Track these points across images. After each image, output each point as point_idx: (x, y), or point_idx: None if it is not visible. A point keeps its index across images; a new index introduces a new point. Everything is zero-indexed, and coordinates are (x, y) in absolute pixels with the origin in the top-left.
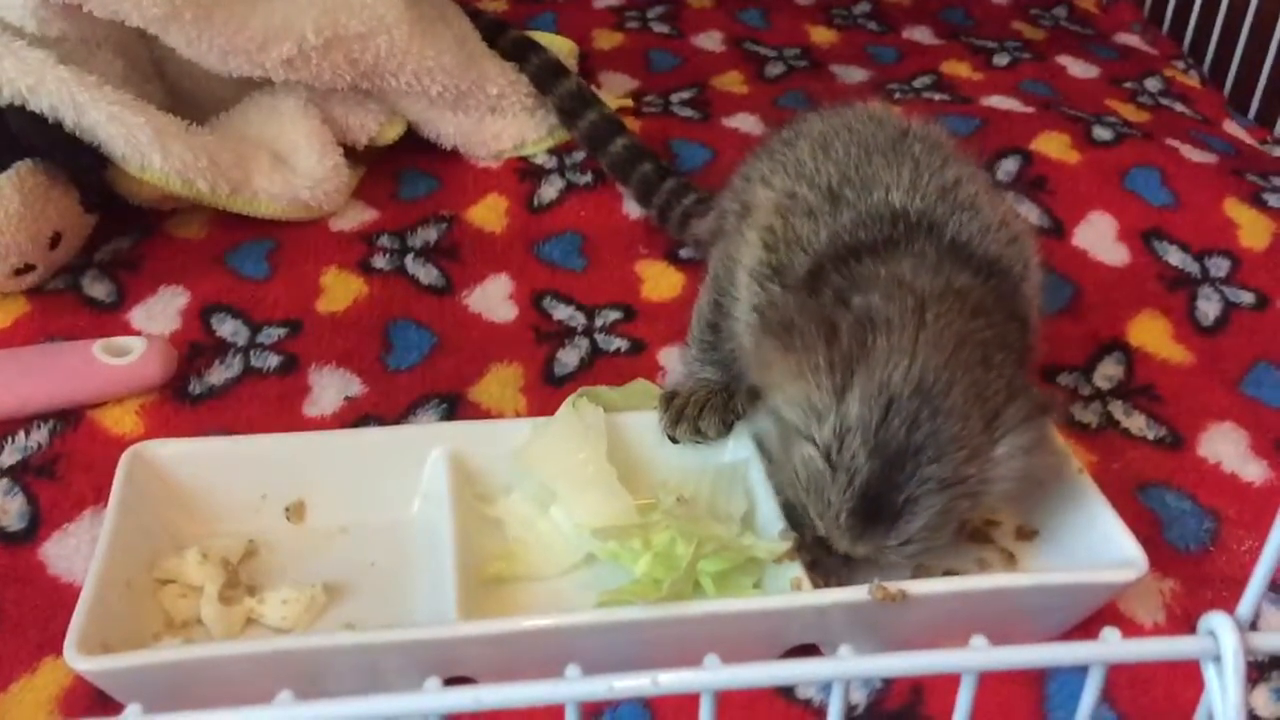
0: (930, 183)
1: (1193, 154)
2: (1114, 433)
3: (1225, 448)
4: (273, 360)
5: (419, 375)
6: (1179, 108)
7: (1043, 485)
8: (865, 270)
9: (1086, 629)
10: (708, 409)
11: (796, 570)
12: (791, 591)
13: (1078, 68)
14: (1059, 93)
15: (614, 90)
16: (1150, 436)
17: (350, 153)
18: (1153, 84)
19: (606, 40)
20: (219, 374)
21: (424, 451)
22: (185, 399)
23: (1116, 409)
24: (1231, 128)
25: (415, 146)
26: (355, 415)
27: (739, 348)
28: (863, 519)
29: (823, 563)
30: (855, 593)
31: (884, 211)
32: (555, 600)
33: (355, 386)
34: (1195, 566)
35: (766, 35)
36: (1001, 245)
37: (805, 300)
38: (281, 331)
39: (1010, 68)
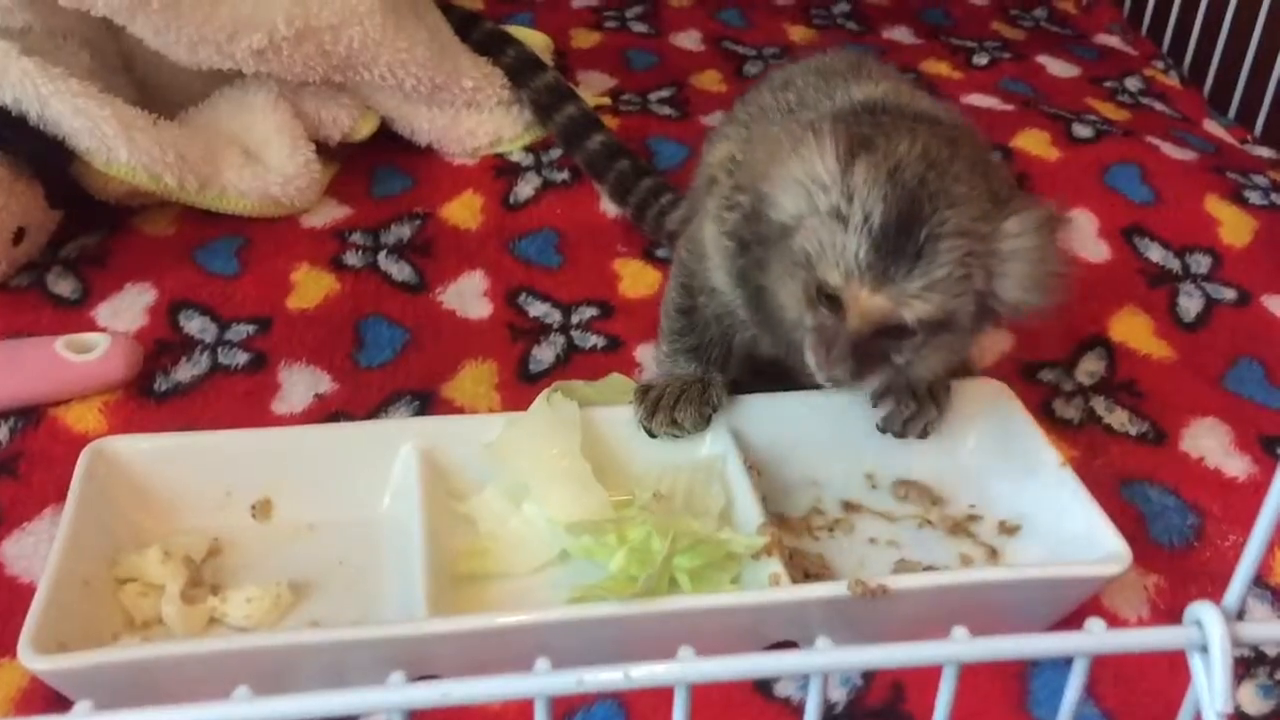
0: (893, 79)
1: (1173, 151)
2: (1096, 428)
3: (1208, 443)
4: (241, 357)
5: (391, 372)
6: (1159, 107)
7: (1054, 279)
8: (844, 124)
9: (1070, 625)
10: (683, 400)
11: (775, 565)
12: (770, 587)
13: (1057, 67)
14: (1039, 92)
15: (592, 89)
16: (1133, 432)
17: (323, 149)
18: (1132, 83)
19: (585, 39)
20: (185, 371)
21: (394, 447)
22: (150, 396)
23: (1099, 405)
24: (1211, 127)
25: (390, 144)
26: (325, 413)
27: (716, 312)
28: (884, 257)
29: (835, 367)
30: (834, 588)
31: (846, 105)
32: (528, 597)
33: (325, 384)
34: (1179, 561)
35: (745, 35)
36: (979, 145)
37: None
38: (250, 328)
39: (990, 67)
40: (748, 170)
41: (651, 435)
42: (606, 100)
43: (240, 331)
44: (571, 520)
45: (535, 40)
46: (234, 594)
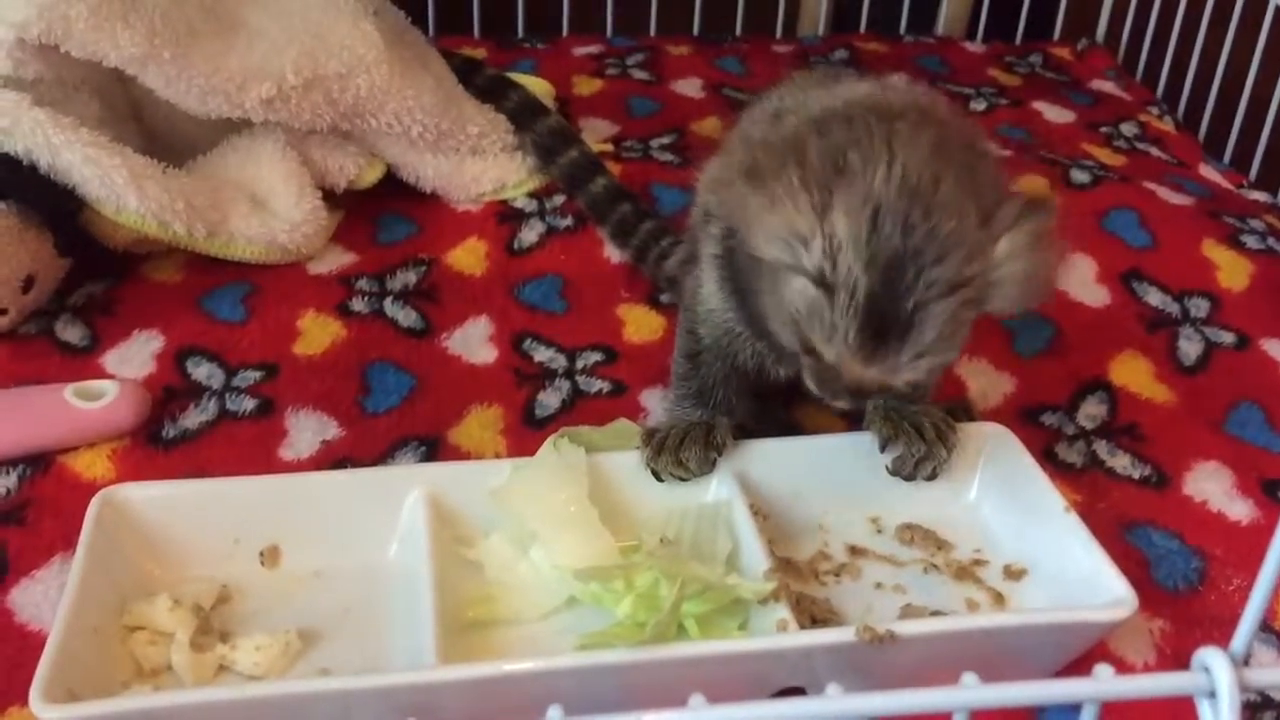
0: (880, 85)
1: (1170, 196)
2: (1098, 472)
3: (1211, 486)
4: (248, 404)
5: (397, 418)
6: (1155, 152)
7: (1047, 285)
8: (825, 116)
9: (1076, 670)
10: (689, 441)
11: (782, 611)
12: (777, 633)
13: (1053, 113)
14: (1036, 137)
15: (594, 135)
16: (1135, 475)
17: (329, 196)
18: (1128, 129)
19: (586, 86)
20: (193, 418)
21: (401, 493)
22: (158, 443)
23: (1101, 448)
24: (1207, 171)
25: (394, 190)
26: (332, 459)
27: (719, 344)
28: (873, 337)
29: (834, 400)
30: (842, 634)
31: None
32: (536, 644)
33: (332, 430)
34: (1184, 606)
35: (744, 82)
36: (970, 131)
37: (767, 140)
38: (257, 375)
39: (987, 113)
40: (726, 204)
41: (658, 478)
42: (609, 147)
43: (247, 378)
44: (579, 566)
45: (538, 86)
46: (243, 641)
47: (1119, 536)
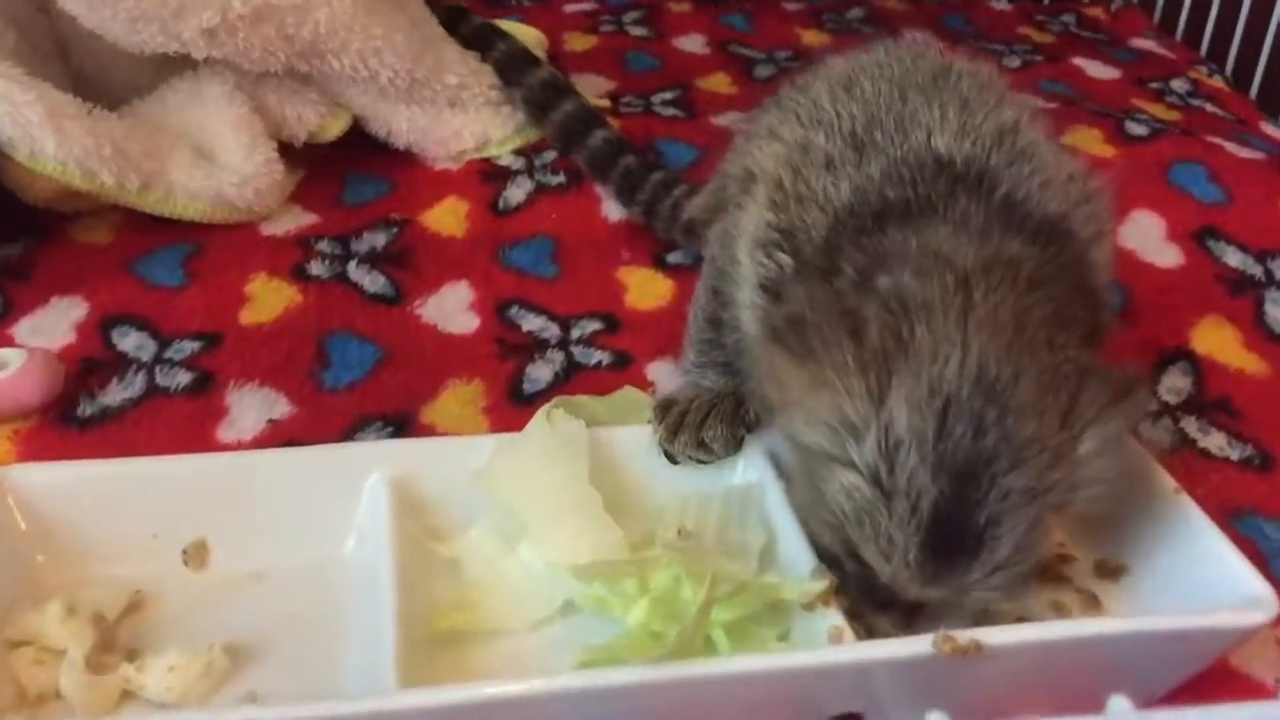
0: (983, 124)
1: (1239, 150)
2: (1191, 453)
3: None
4: (183, 378)
5: (360, 394)
6: (1210, 108)
7: (1134, 487)
8: (892, 242)
9: (1194, 691)
10: (712, 418)
11: (834, 617)
12: (829, 644)
13: (1095, 69)
14: (1080, 93)
15: (588, 92)
16: (1234, 457)
17: (289, 152)
18: (1179, 85)
19: (579, 42)
20: (116, 394)
21: (360, 476)
22: (71, 423)
23: (1190, 426)
24: (1271, 129)
25: (364, 147)
26: (280, 440)
27: (745, 342)
28: (937, 554)
29: (878, 616)
30: (914, 645)
31: (924, 159)
32: (525, 660)
33: (282, 407)
34: None
35: (752, 39)
36: (1068, 203)
37: (817, 288)
38: (195, 345)
39: (1024, 69)
40: (754, 359)
41: (673, 460)
42: (606, 103)
43: (183, 349)
44: (578, 563)
45: (527, 35)
46: (154, 661)
47: (1224, 528)
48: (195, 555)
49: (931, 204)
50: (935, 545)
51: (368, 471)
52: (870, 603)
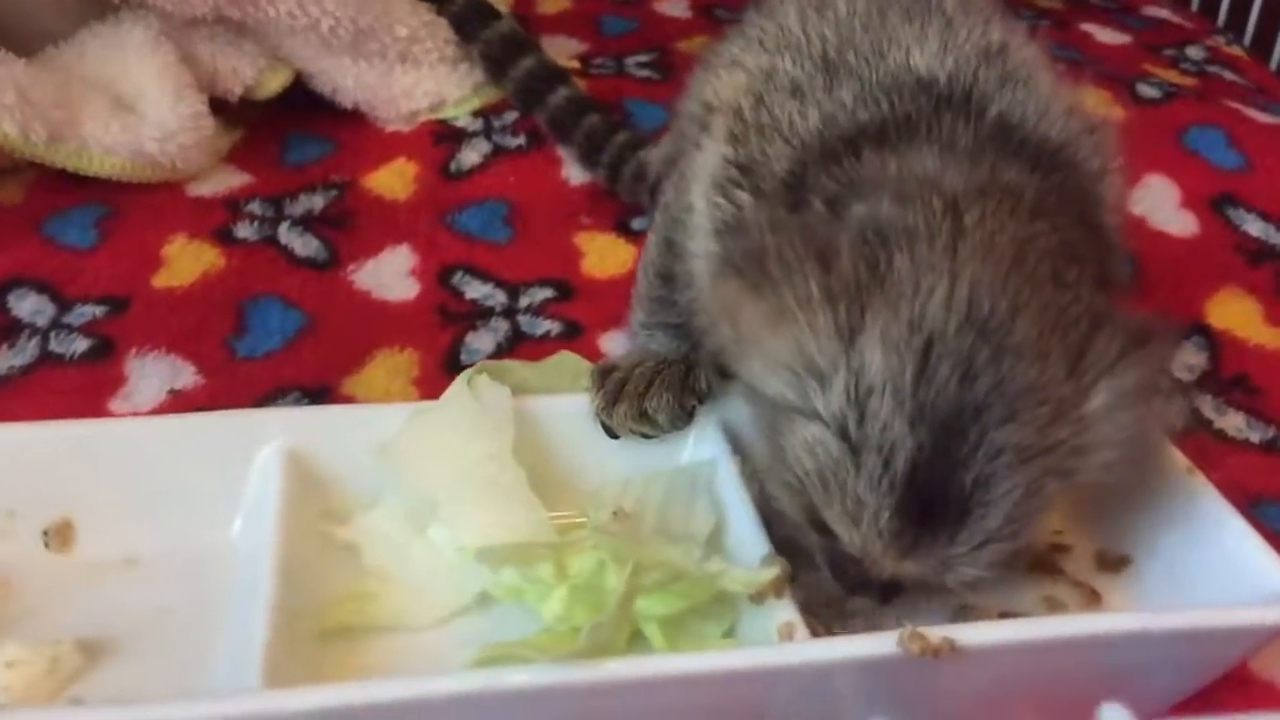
0: (968, 42)
1: (1259, 115)
2: (1206, 435)
3: None
4: (80, 345)
5: (277, 363)
6: (1229, 76)
7: (1150, 457)
8: (868, 167)
9: (1208, 701)
10: (657, 386)
11: (787, 612)
12: (780, 642)
13: (1106, 35)
14: (1090, 58)
15: (558, 55)
16: (1254, 439)
17: (225, 109)
18: (1194, 52)
19: (551, 4)
20: (3, 362)
21: (251, 449)
22: None
23: (1205, 405)
24: None
25: (308, 107)
26: (182, 411)
27: (699, 299)
28: (915, 520)
29: (843, 601)
30: (877, 643)
31: (904, 80)
32: (427, 659)
33: (187, 376)
34: None
35: (739, 3)
36: (1069, 132)
37: (780, 215)
38: (99, 310)
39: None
40: (720, 312)
41: (612, 434)
42: (575, 64)
43: (84, 314)
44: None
45: None
46: None
47: (1244, 514)
48: (57, 536)
49: (913, 124)
50: (912, 509)
51: (260, 443)
52: (845, 580)
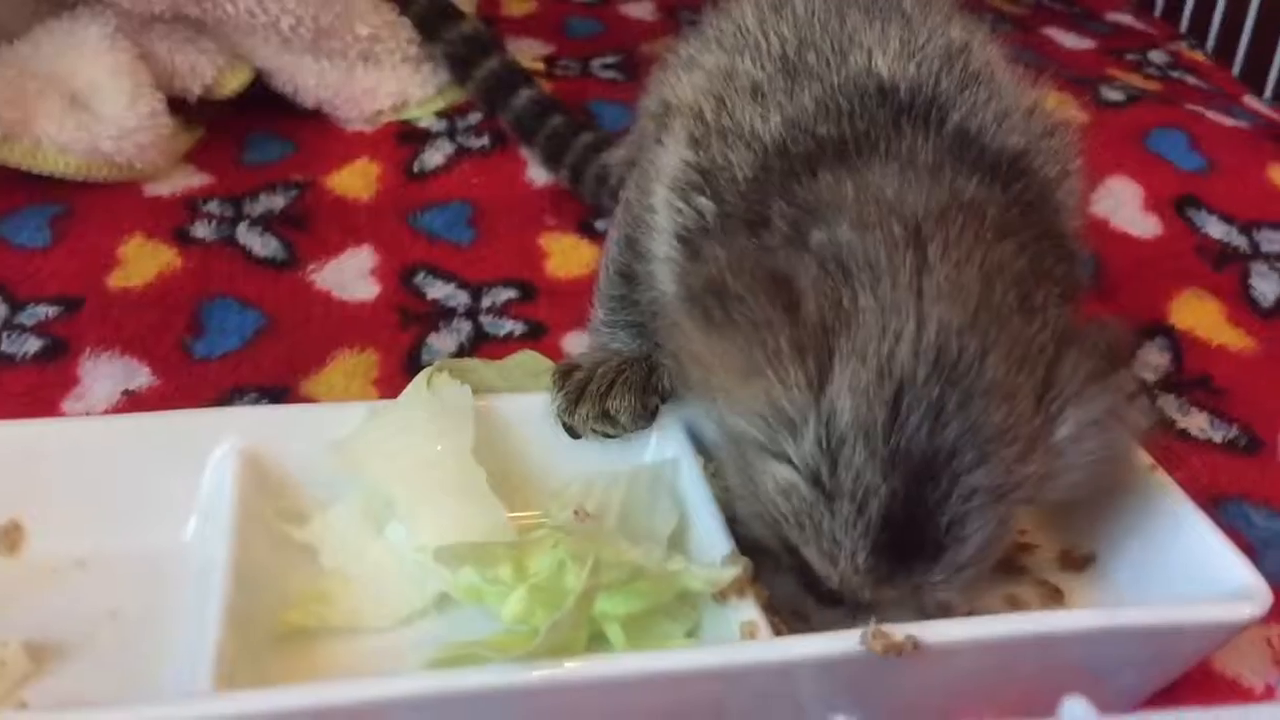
0: (929, 45)
1: (1221, 118)
2: (1170, 435)
3: None
4: (33, 345)
5: (234, 364)
6: (1192, 80)
7: (1117, 473)
8: (827, 187)
9: (1172, 699)
10: (619, 386)
11: (749, 611)
12: (743, 641)
13: (1070, 39)
14: (1053, 62)
15: (523, 57)
16: (1217, 439)
17: (184, 108)
18: (1157, 57)
19: (517, 7)
20: None
21: (206, 448)
22: None
23: (1169, 405)
24: (1254, 103)
25: (269, 106)
26: (136, 412)
27: (660, 301)
28: (891, 557)
29: (824, 596)
30: (840, 641)
31: (865, 85)
32: (385, 661)
33: (142, 377)
34: None
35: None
36: (1029, 136)
37: (741, 245)
38: (52, 310)
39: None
40: (684, 354)
41: (574, 434)
42: (540, 66)
43: (37, 314)
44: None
45: None
46: None
47: (1208, 514)
48: (6, 538)
49: (872, 140)
50: (888, 548)
51: (214, 443)
52: (819, 600)
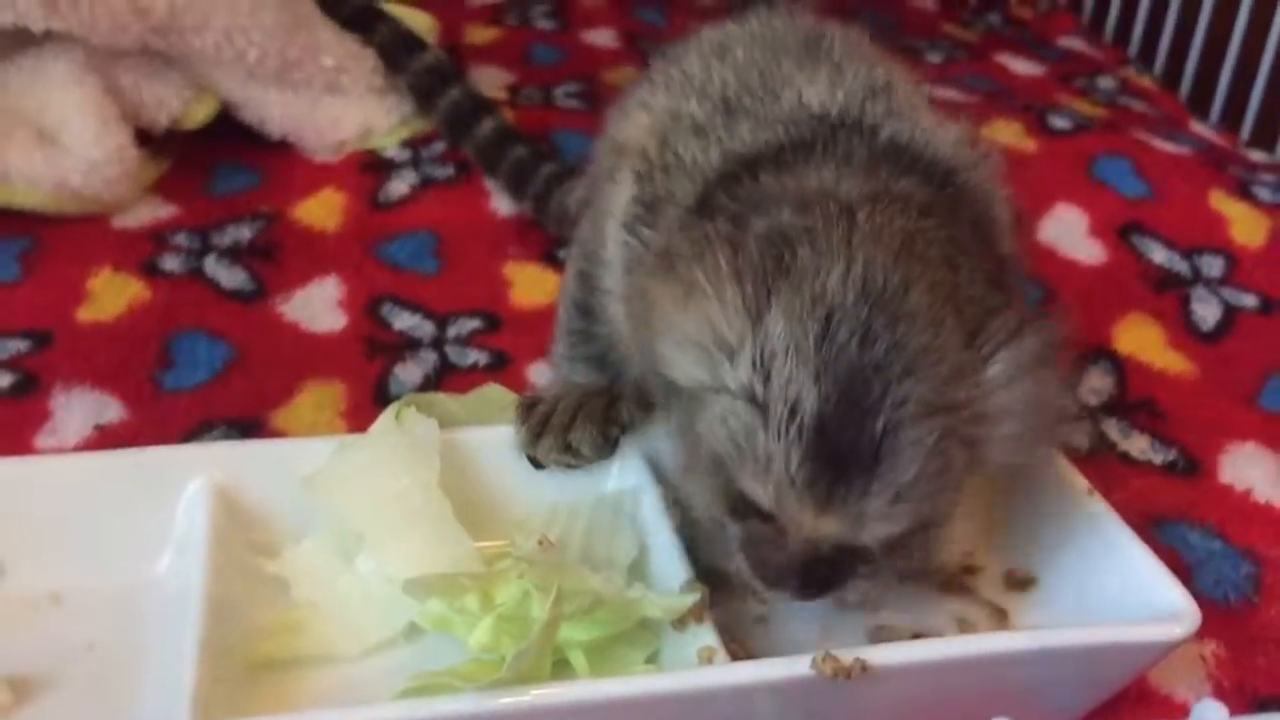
0: (855, 81)
1: (1166, 145)
2: (1112, 457)
3: (1253, 473)
4: (3, 380)
5: (204, 397)
6: (1138, 106)
7: (1053, 424)
8: (766, 186)
9: (1110, 714)
10: (581, 418)
11: (707, 637)
12: (700, 666)
13: (1020, 65)
14: (1003, 88)
15: (486, 85)
16: (1157, 461)
17: (150, 140)
18: (1105, 83)
19: (480, 35)
20: None
21: (179, 484)
22: None
23: (1111, 429)
24: (1199, 128)
25: (235, 137)
26: (108, 447)
27: (616, 333)
28: (827, 469)
29: (769, 560)
30: (792, 665)
31: (797, 115)
32: (356, 690)
33: (113, 411)
34: (1239, 623)
35: (666, 34)
36: (958, 160)
37: (690, 220)
38: (22, 345)
39: (944, 64)
40: (633, 316)
41: (537, 465)
42: (503, 95)
43: (7, 348)
44: (413, 576)
45: (416, 20)
46: None
47: (1146, 535)
48: None
49: (808, 145)
50: (822, 455)
51: (187, 478)
52: (766, 570)
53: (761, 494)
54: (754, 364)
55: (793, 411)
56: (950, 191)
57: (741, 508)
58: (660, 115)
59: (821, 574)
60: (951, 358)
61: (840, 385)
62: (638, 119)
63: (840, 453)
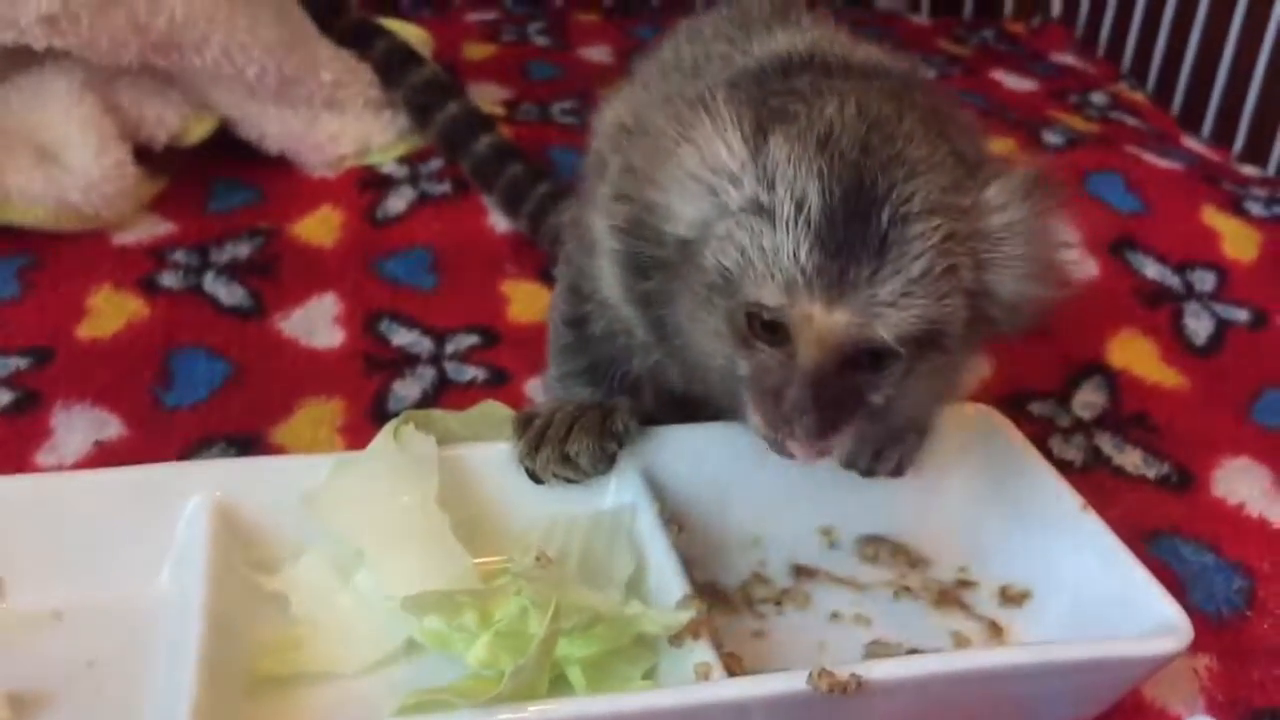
0: (821, 31)
1: (1158, 160)
2: (1104, 471)
3: (1245, 487)
4: (4, 397)
5: (204, 413)
6: (1131, 121)
7: (1055, 261)
8: (748, 91)
9: None
10: (577, 430)
11: (704, 653)
12: (697, 682)
13: (1013, 81)
14: (996, 103)
15: (484, 101)
16: (1150, 475)
17: (149, 157)
18: (1098, 99)
19: (477, 51)
20: None
21: (178, 501)
22: None
23: (1104, 442)
24: (1191, 143)
25: (234, 153)
26: (107, 465)
27: (611, 321)
28: (836, 256)
29: (772, 379)
30: (788, 681)
31: (767, 57)
32: (355, 707)
33: (113, 428)
34: (1232, 637)
35: None
36: (937, 96)
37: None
38: (22, 362)
39: (939, 80)
40: (629, 175)
41: (536, 480)
42: (500, 110)
43: (8, 365)
44: (411, 593)
45: (412, 34)
46: None
47: (1139, 549)
48: None
49: (785, 67)
50: (833, 242)
51: (187, 495)
52: (779, 409)
53: (771, 291)
54: (758, 179)
55: (799, 207)
56: (934, 100)
57: (748, 330)
58: (635, 92)
59: (831, 397)
60: (950, 172)
61: (845, 183)
62: (613, 104)
63: (849, 241)
